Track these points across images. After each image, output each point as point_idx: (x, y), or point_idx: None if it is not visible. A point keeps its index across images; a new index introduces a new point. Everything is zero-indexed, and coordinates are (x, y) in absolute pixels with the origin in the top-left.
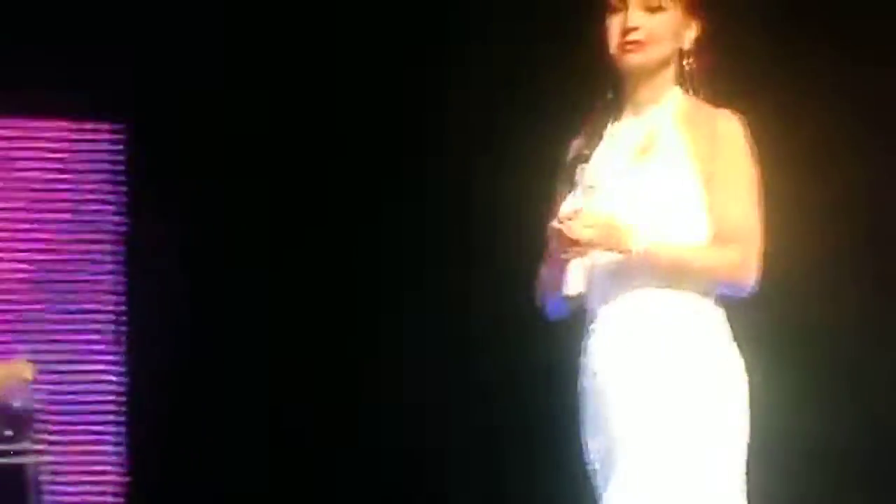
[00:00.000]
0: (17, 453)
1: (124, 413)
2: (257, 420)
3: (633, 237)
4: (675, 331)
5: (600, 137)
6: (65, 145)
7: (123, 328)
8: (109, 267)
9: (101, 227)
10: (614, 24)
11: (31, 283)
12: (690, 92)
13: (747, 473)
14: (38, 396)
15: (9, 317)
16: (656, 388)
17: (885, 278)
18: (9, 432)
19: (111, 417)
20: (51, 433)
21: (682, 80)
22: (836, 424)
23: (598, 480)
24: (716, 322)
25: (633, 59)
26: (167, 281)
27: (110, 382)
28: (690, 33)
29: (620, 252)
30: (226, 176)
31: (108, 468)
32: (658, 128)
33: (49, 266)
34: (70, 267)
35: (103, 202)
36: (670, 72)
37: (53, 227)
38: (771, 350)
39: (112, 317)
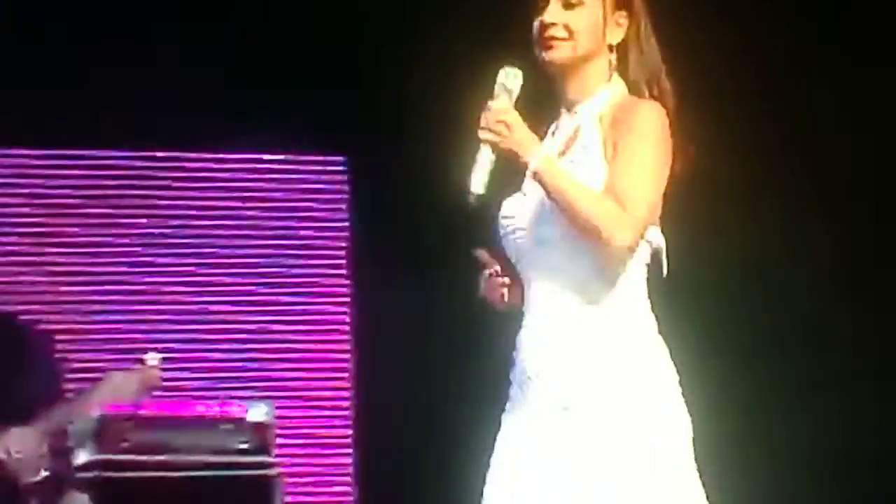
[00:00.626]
0: (256, 466)
1: (354, 426)
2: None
3: (532, 151)
4: (610, 341)
5: (542, 136)
6: (295, 177)
7: (353, 343)
8: (339, 290)
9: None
10: (537, 23)
11: (263, 306)
12: (622, 87)
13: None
14: (274, 409)
15: (242, 336)
16: (593, 405)
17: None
18: (246, 445)
19: (342, 431)
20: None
21: (612, 75)
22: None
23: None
24: (648, 331)
25: (551, 55)
26: (392, 302)
27: (342, 398)
28: (619, 28)
29: (518, 160)
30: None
31: (339, 482)
32: (582, 124)
33: (279, 290)
34: (300, 291)
35: (330, 231)
36: (598, 67)
37: (284, 254)
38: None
39: (342, 332)
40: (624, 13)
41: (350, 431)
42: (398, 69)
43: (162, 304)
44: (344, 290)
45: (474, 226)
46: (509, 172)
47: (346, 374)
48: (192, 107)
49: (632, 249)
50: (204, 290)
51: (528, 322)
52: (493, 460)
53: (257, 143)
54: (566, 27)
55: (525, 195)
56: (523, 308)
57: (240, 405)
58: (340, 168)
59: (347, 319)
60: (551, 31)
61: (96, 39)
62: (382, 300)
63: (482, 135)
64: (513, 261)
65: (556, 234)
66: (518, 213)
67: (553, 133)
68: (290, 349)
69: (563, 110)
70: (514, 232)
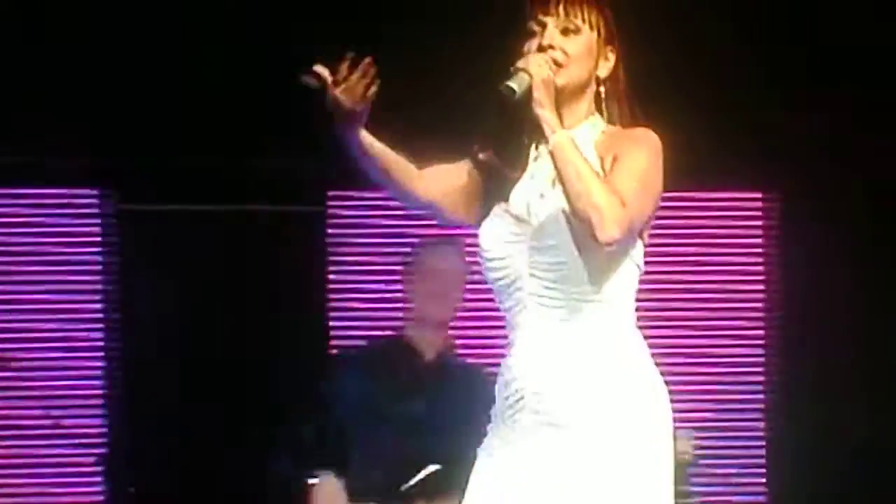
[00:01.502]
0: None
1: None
2: None
3: (556, 121)
4: (602, 361)
5: (525, 163)
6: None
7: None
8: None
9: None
10: (532, 47)
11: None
12: (606, 120)
13: None
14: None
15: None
16: (588, 423)
17: None
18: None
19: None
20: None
21: (600, 107)
22: None
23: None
24: (638, 347)
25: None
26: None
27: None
28: (607, 63)
29: (537, 120)
30: None
31: None
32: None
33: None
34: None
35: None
36: (587, 97)
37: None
38: None
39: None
40: (611, 48)
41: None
42: None
43: None
44: None
45: None
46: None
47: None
48: None
49: (613, 245)
50: None
51: (519, 344)
52: (481, 479)
53: None
54: (564, 52)
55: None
56: (512, 336)
57: None
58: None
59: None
60: (551, 55)
61: None
62: None
63: (534, 62)
64: (505, 286)
65: (558, 256)
66: (514, 233)
67: (535, 159)
68: None
69: (541, 139)
70: (509, 257)
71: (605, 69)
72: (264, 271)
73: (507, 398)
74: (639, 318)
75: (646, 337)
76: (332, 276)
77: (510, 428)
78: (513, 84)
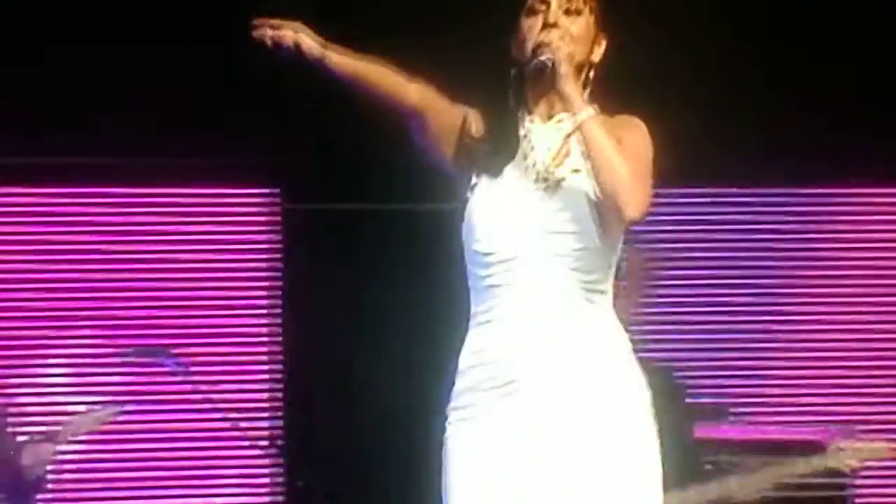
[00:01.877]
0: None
1: None
2: None
3: (581, 98)
4: (593, 344)
5: (514, 145)
6: None
7: None
8: None
9: None
10: (535, 24)
11: None
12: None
13: None
14: None
15: None
16: (580, 404)
17: None
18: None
19: None
20: None
21: (587, 90)
22: None
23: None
24: (618, 341)
25: (558, 56)
26: None
27: None
28: (599, 48)
29: (566, 96)
30: None
31: None
32: (578, 138)
33: None
34: None
35: None
36: (580, 82)
37: None
38: None
39: None
40: (603, 34)
41: None
42: None
43: None
44: None
45: None
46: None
47: None
48: None
49: (633, 223)
50: None
51: (510, 323)
52: (468, 462)
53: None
54: (568, 32)
55: (518, 197)
56: (492, 312)
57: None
58: None
59: None
60: (546, 36)
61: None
62: None
63: (542, 51)
64: (497, 262)
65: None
66: (523, 210)
67: (525, 137)
68: None
69: (536, 118)
70: (513, 231)
71: (598, 54)
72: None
73: (493, 377)
74: None
75: None
76: None
77: (500, 408)
78: (545, 58)
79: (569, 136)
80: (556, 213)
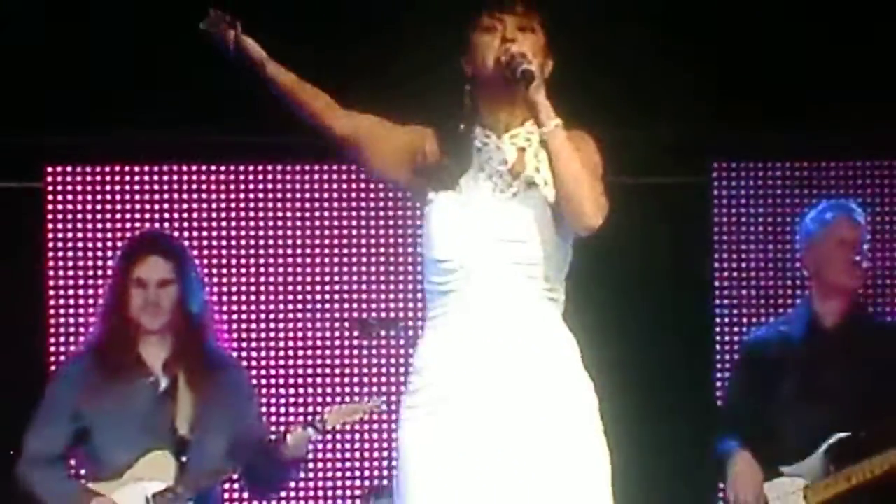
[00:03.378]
0: None
1: None
2: None
3: (551, 111)
4: (543, 342)
5: (468, 157)
6: None
7: None
8: None
9: None
10: (491, 42)
11: None
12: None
13: None
14: None
15: None
16: (533, 402)
17: None
18: None
19: None
20: None
21: None
22: None
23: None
24: (570, 347)
25: (522, 69)
26: None
27: None
28: (547, 67)
29: (539, 105)
30: None
31: None
32: (527, 147)
33: None
34: None
35: None
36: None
37: None
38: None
39: None
40: (550, 52)
41: None
42: None
43: None
44: None
45: None
46: None
47: None
48: None
49: (590, 232)
50: None
51: (465, 329)
52: (424, 459)
53: None
54: (525, 48)
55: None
56: (449, 316)
57: None
58: None
59: None
60: (516, 48)
61: None
62: None
63: (523, 61)
64: (451, 270)
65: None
66: (481, 220)
67: (479, 150)
68: None
69: (490, 132)
70: (473, 233)
71: (547, 71)
72: (647, 244)
73: (449, 378)
74: None
75: None
76: (715, 246)
77: (455, 408)
78: (530, 67)
79: (523, 149)
80: (513, 223)
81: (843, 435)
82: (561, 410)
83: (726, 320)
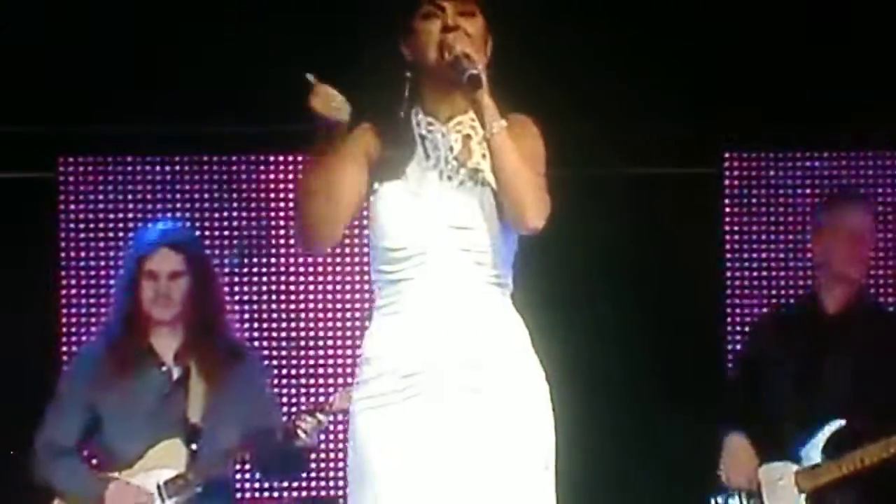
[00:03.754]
0: None
1: None
2: None
3: (496, 113)
4: (486, 338)
5: (411, 145)
6: None
7: None
8: None
9: None
10: (432, 28)
11: None
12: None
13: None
14: None
15: None
16: (471, 398)
17: None
18: None
19: None
20: None
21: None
22: None
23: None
24: (519, 334)
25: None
26: None
27: None
28: (489, 47)
29: (485, 107)
30: None
31: None
32: (472, 134)
33: None
34: None
35: None
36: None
37: None
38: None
39: None
40: (490, 33)
41: None
42: None
43: None
44: None
45: None
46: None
47: None
48: None
49: (533, 233)
50: None
51: (415, 317)
52: (378, 448)
53: None
54: (466, 33)
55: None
56: (399, 304)
57: None
58: None
59: None
60: (457, 35)
61: None
62: None
63: (469, 65)
64: (403, 259)
65: (476, 223)
66: (430, 207)
67: (423, 138)
68: None
69: (433, 120)
70: (426, 223)
71: (488, 52)
72: (659, 235)
73: (400, 367)
74: None
75: None
76: (727, 238)
77: (407, 397)
78: (477, 71)
79: (469, 136)
80: (461, 210)
81: (839, 422)
82: (510, 399)
83: (737, 311)
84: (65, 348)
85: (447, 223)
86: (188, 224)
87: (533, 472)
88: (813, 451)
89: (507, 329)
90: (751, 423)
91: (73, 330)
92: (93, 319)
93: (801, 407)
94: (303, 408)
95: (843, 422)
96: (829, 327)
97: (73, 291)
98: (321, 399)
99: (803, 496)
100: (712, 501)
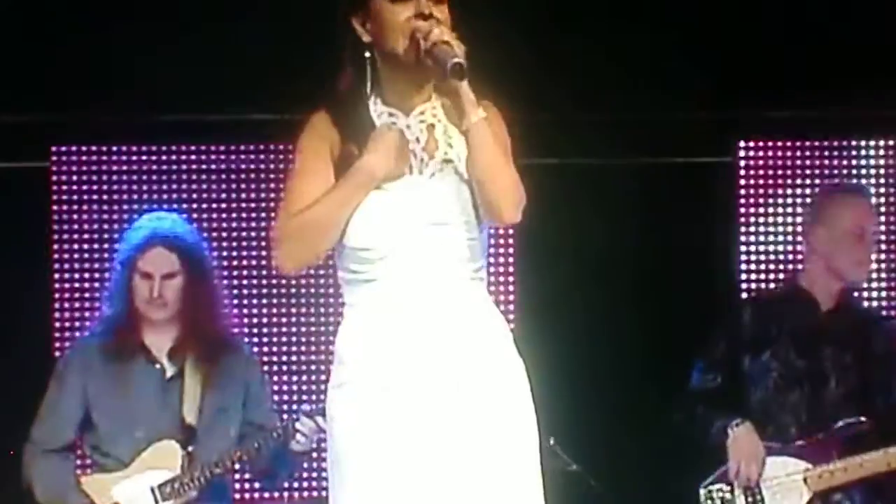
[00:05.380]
0: None
1: None
2: None
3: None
4: (467, 335)
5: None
6: None
7: None
8: None
9: None
10: (402, 12)
11: None
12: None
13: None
14: None
15: None
16: (451, 394)
17: None
18: None
19: None
20: None
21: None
22: None
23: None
24: (500, 330)
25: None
26: None
27: None
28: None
29: (466, 98)
30: None
31: None
32: (436, 124)
33: None
34: None
35: None
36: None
37: None
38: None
39: None
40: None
41: None
42: None
43: None
44: None
45: None
46: None
47: None
48: None
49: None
50: None
51: (393, 315)
52: (356, 444)
53: None
54: (437, 21)
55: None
56: (374, 302)
57: None
58: None
59: None
60: (432, 22)
61: None
62: None
63: (452, 53)
64: (374, 259)
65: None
66: (402, 203)
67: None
68: None
69: (395, 111)
70: (406, 220)
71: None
72: (674, 224)
73: (381, 364)
74: None
75: None
76: (742, 229)
77: (387, 393)
78: (461, 61)
79: (433, 125)
80: (435, 204)
81: (850, 420)
82: (493, 393)
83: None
84: (57, 343)
85: (421, 220)
86: (183, 216)
87: (518, 466)
88: (818, 450)
89: (488, 323)
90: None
91: (67, 325)
92: (86, 313)
93: (794, 405)
94: (304, 408)
95: (852, 420)
96: (825, 326)
97: (67, 285)
98: (322, 400)
99: (810, 494)
100: (701, 491)
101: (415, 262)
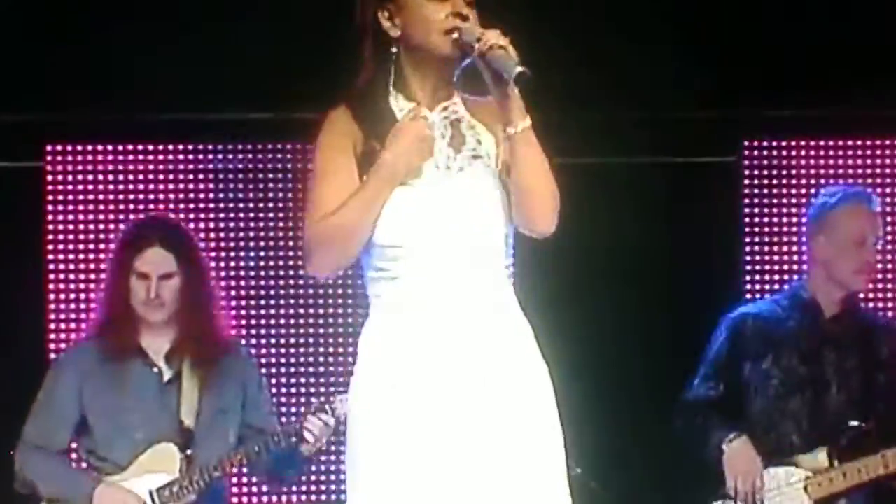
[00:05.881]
0: None
1: None
2: None
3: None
4: (491, 341)
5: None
6: None
7: None
8: None
9: None
10: (439, 10)
11: None
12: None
13: None
14: None
15: None
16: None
17: None
18: None
19: None
20: None
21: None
22: None
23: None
24: (526, 331)
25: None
26: None
27: None
28: None
29: (517, 103)
30: None
31: None
32: (461, 119)
33: None
34: None
35: None
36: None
37: None
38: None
39: None
40: None
41: None
42: None
43: None
44: None
45: None
46: None
47: None
48: None
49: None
50: None
51: (421, 314)
52: (382, 442)
53: None
54: (475, 22)
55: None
56: (401, 300)
57: None
58: None
59: None
60: (492, 36)
61: None
62: None
63: (511, 59)
64: (400, 257)
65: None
66: (428, 201)
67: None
68: None
69: (421, 107)
70: (436, 226)
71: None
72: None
73: (409, 363)
74: None
75: None
76: (746, 229)
77: (416, 391)
78: (523, 67)
79: (458, 121)
80: (462, 201)
81: (852, 424)
82: (520, 393)
83: (756, 299)
84: (52, 345)
85: (448, 217)
86: (180, 215)
87: (544, 468)
88: (822, 456)
89: (514, 323)
90: (745, 427)
91: (62, 326)
92: (81, 314)
93: (800, 412)
94: (312, 406)
95: (853, 424)
96: (829, 332)
97: (61, 286)
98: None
99: (811, 502)
100: None
101: (442, 259)
